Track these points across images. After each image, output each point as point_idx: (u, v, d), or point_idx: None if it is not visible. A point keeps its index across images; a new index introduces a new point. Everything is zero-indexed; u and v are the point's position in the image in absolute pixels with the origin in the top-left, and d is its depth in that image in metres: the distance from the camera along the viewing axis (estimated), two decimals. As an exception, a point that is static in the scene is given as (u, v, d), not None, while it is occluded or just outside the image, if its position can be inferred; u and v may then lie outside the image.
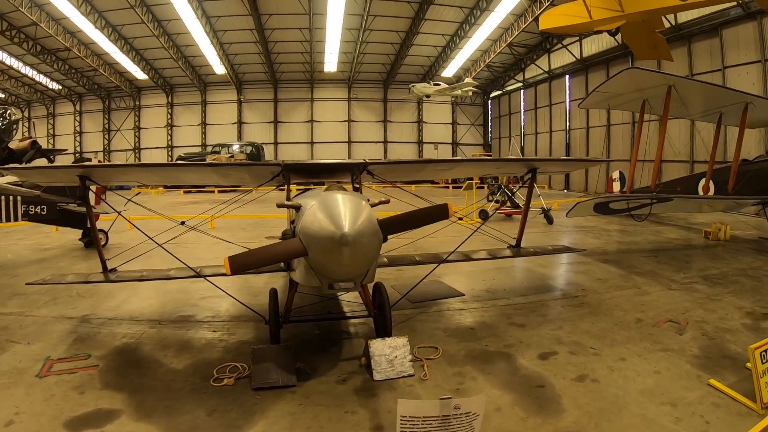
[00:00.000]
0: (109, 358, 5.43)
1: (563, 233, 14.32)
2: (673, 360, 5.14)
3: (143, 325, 6.58)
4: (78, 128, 44.33)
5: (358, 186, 6.04)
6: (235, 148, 41.28)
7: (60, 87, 41.57)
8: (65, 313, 7.14)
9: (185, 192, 32.76)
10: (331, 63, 41.26)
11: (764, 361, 4.11)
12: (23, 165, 6.19)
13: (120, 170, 7.42)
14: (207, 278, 5.76)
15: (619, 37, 16.73)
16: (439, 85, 37.43)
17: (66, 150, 37.70)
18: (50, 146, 41.64)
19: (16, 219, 11.41)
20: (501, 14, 30.04)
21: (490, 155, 43.30)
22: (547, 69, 34.14)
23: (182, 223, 6.56)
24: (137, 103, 43.81)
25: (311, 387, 4.47)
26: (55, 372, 5.02)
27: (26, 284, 6.65)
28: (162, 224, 7.46)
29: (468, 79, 37.16)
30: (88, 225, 13.01)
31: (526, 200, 6.78)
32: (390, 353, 4.50)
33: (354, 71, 42.20)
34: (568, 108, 32.54)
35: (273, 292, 5.25)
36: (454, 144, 48.56)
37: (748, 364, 4.33)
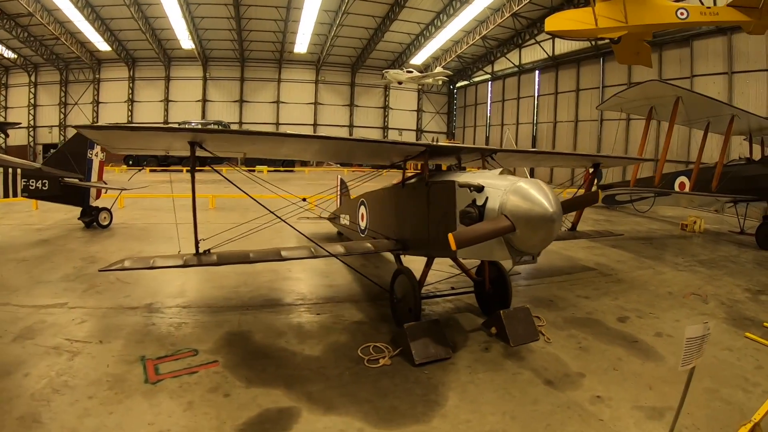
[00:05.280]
0: (223, 352, 5.10)
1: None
2: (712, 321, 6.44)
3: (232, 312, 6.32)
4: (32, 101, 41.42)
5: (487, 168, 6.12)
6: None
7: (16, 56, 38.60)
8: (120, 302, 6.62)
9: (151, 170, 31.91)
10: (302, 44, 40.91)
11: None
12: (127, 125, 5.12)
13: (238, 138, 6.31)
14: (339, 258, 5.85)
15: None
16: (411, 72, 38.33)
17: (20, 123, 35.36)
18: (2, 119, 38.80)
19: (15, 194, 10.56)
20: (478, 7, 30.97)
21: (456, 143, 44.90)
22: (517, 63, 35.80)
23: (304, 200, 6.68)
24: (97, 76, 41.52)
25: (464, 357, 5.01)
26: (168, 374, 4.55)
27: (99, 270, 5.61)
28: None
29: (439, 68, 38.30)
30: (95, 207, 12.29)
31: (586, 189, 7.84)
32: (519, 322, 5.46)
33: (325, 53, 42.10)
34: (536, 102, 34.38)
35: (409, 272, 5.65)
36: (419, 131, 49.68)
37: (765, 324, 6.15)
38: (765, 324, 6.30)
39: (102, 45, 37.58)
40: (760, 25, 11.27)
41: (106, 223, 12.41)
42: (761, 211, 12.90)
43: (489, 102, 41.61)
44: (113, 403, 4.09)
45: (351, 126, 47.68)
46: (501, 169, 4.79)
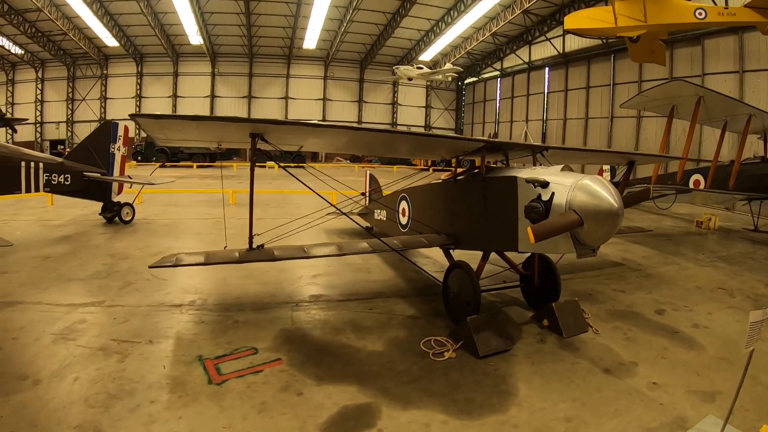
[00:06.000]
0: (284, 350, 5.07)
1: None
2: (742, 314, 6.83)
3: (281, 309, 6.35)
4: (40, 97, 41.74)
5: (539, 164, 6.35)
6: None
7: (23, 51, 38.90)
8: (161, 300, 6.53)
9: (161, 166, 32.12)
10: (311, 40, 41.15)
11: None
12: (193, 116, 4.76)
13: (300, 130, 6.09)
14: (400, 252, 6.17)
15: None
16: (422, 68, 38.63)
17: (27, 119, 35.68)
18: (9, 115, 39.06)
19: (37, 189, 10.40)
20: (488, 4, 31.26)
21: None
22: (527, 60, 36.04)
23: (362, 194, 6.89)
24: (104, 72, 41.84)
25: (522, 348, 5.26)
26: (232, 374, 4.48)
27: (150, 267, 5.45)
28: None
29: (449, 65, 38.56)
30: (114, 199, 12.20)
31: (621, 187, 8.13)
32: (569, 314, 5.81)
33: (334, 49, 42.33)
34: (546, 99, 34.62)
35: (467, 266, 5.86)
36: (427, 127, 49.98)
37: None
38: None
39: (110, 40, 37.85)
40: (776, 27, 11.59)
41: (128, 218, 12.43)
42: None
43: (498, 99, 41.87)
44: (179, 407, 3.92)
45: (359, 122, 47.94)
46: (563, 165, 5.05)
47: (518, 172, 5.35)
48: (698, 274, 8.97)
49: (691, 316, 6.60)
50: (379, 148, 8.94)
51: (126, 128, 12.74)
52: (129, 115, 4.95)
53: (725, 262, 9.98)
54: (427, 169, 37.23)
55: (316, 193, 6.25)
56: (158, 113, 5.14)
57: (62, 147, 37.97)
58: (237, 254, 5.38)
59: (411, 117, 49.28)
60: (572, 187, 4.55)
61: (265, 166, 32.43)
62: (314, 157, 42.16)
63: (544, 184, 4.80)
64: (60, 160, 11.35)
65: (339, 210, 6.40)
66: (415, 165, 40.28)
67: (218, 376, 4.44)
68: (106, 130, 12.23)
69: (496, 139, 7.02)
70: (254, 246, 5.56)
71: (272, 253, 5.52)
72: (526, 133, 32.72)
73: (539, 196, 4.83)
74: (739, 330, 6.09)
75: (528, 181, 4.94)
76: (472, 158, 6.70)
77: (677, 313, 6.71)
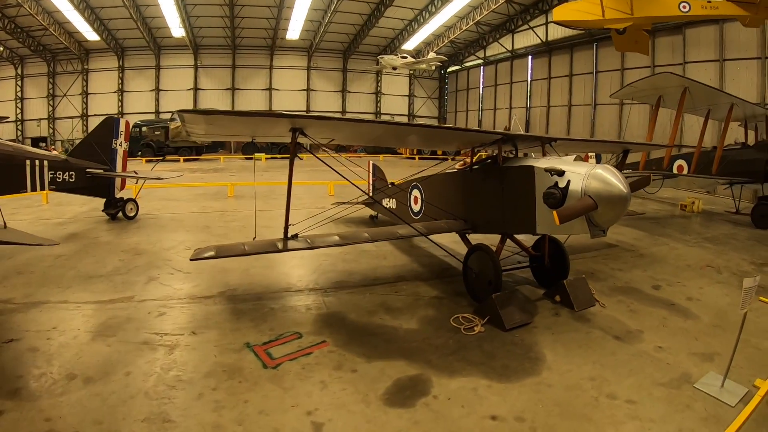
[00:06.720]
0: (326, 333, 5.36)
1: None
2: (730, 288, 7.54)
3: (311, 295, 6.66)
4: (20, 94, 40.68)
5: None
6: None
7: (2, 48, 37.81)
8: (191, 292, 6.66)
9: (147, 161, 32.01)
10: (294, 30, 40.91)
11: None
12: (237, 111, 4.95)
13: (340, 125, 6.35)
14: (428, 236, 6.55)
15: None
16: (406, 58, 38.91)
17: (8, 117, 34.92)
18: (-13, 113, 38.15)
19: (42, 188, 10.27)
20: (473, -8, 31.53)
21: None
22: (510, 48, 36.56)
23: (391, 184, 7.29)
24: (85, 67, 40.93)
25: (541, 321, 5.83)
26: (284, 358, 4.73)
27: (191, 260, 5.56)
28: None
29: (432, 54, 38.93)
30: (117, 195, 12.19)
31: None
32: (579, 290, 6.39)
33: (318, 40, 42.22)
34: (529, 87, 35.29)
35: (487, 248, 6.37)
36: (411, 116, 50.22)
37: None
38: (774, 290, 7.34)
39: (90, 34, 37.08)
40: (757, 19, 12.26)
41: (132, 214, 12.44)
42: (753, 192, 14.09)
43: (481, 87, 42.37)
44: (243, 392, 4.08)
45: (343, 112, 48.01)
46: (575, 155, 5.61)
47: (534, 161, 5.89)
48: (687, 254, 9.68)
49: (685, 291, 7.27)
50: (400, 139, 9.26)
51: (127, 123, 12.77)
52: (177, 111, 5.04)
53: (711, 243, 10.72)
54: (413, 158, 37.77)
55: (352, 184, 6.77)
56: (207, 109, 5.41)
57: (44, 144, 37.21)
58: (278, 244, 5.70)
59: (394, 106, 49.48)
60: (586, 175, 5.11)
61: (252, 158, 32.77)
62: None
63: (561, 173, 5.34)
64: (64, 157, 11.35)
65: (372, 197, 6.82)
66: (401, 154, 40.84)
67: (271, 360, 4.67)
68: (109, 125, 12.19)
69: (511, 132, 7.51)
70: (289, 235, 5.83)
71: (309, 242, 5.83)
72: (515, 121, 33.36)
73: (556, 183, 5.37)
74: (728, 302, 6.78)
75: (546, 170, 5.47)
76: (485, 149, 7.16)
77: (672, 288, 7.38)
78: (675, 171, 14.94)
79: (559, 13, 15.53)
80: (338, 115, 48.08)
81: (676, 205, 15.91)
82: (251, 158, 35.03)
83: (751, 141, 13.36)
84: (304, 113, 46.66)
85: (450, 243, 8.38)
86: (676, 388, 4.40)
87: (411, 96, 50.52)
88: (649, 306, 6.56)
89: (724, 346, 5.17)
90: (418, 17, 37.30)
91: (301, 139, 5.82)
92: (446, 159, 28.48)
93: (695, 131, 14.43)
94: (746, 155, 12.64)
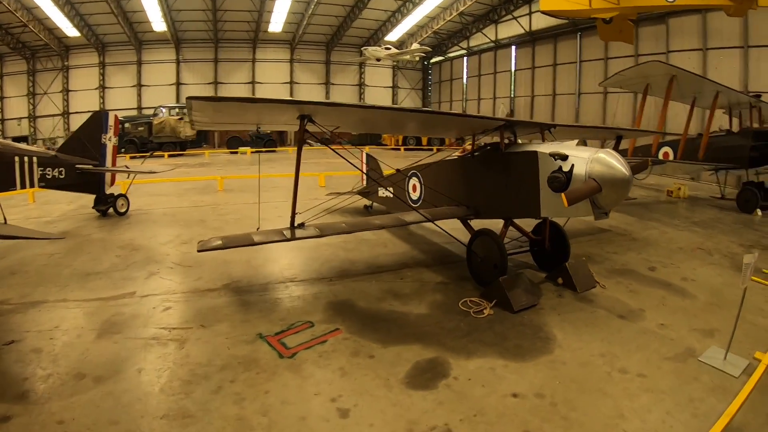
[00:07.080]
0: (338, 320, 5.40)
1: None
2: (722, 269, 7.82)
3: (317, 285, 6.68)
4: (-1, 93, 39.63)
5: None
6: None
7: (-21, 47, 36.74)
8: (195, 285, 6.60)
9: (131, 157, 31.48)
10: (277, 23, 40.48)
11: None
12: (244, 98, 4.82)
13: (348, 111, 6.44)
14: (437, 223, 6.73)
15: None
16: (390, 49, 38.79)
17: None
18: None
19: (32, 185, 10.04)
20: (456, -17, 31.56)
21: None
22: (493, 39, 36.72)
23: (398, 170, 7.31)
24: (66, 64, 39.94)
25: (547, 303, 6.02)
26: (299, 347, 4.73)
27: (198, 251, 5.41)
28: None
29: (416, 45, 38.92)
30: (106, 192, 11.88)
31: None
32: (580, 272, 6.58)
33: (301, 32, 41.88)
34: (513, 77, 35.53)
35: (492, 233, 6.51)
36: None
37: (765, 270, 7.38)
38: (764, 270, 7.57)
39: (71, 30, 36.16)
40: (741, 9, 12.54)
41: (123, 210, 12.26)
42: (736, 178, 14.48)
43: (465, 77, 42.51)
44: (262, 383, 4.04)
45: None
46: (577, 140, 5.76)
47: (537, 146, 6.04)
48: (677, 237, 9.97)
49: (679, 272, 7.53)
50: (403, 126, 9.33)
51: (116, 117, 12.53)
52: (186, 98, 4.86)
53: (699, 227, 11.04)
54: (398, 149, 37.82)
55: (365, 174, 6.81)
56: (216, 96, 5.33)
57: (26, 144, 36.37)
58: (286, 233, 5.66)
59: (378, 97, 49.34)
60: (589, 159, 5.26)
61: (237, 152, 33.17)
62: (282, 141, 41.82)
63: (564, 157, 5.48)
64: (53, 152, 11.02)
65: (386, 189, 6.87)
66: (386, 145, 40.94)
67: (286, 350, 4.66)
68: (98, 120, 11.87)
69: (514, 118, 7.65)
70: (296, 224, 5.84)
71: (315, 231, 5.82)
72: (501, 110, 33.58)
73: (560, 167, 5.51)
74: (722, 282, 7.06)
75: (551, 155, 5.61)
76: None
77: (667, 270, 7.63)
78: (661, 157, 15.27)
79: (546, 2, 15.66)
80: (323, 108, 47.91)
81: (661, 191, 16.27)
82: (236, 152, 34.82)
83: (735, 128, 13.70)
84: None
85: (449, 229, 8.45)
86: (682, 361, 4.62)
87: (395, 87, 50.48)
88: (647, 287, 6.79)
89: (722, 323, 5.42)
90: (402, 8, 37.18)
91: (308, 127, 5.80)
92: (431, 149, 28.58)
93: (679, 120, 14.74)
94: (731, 142, 12.98)
